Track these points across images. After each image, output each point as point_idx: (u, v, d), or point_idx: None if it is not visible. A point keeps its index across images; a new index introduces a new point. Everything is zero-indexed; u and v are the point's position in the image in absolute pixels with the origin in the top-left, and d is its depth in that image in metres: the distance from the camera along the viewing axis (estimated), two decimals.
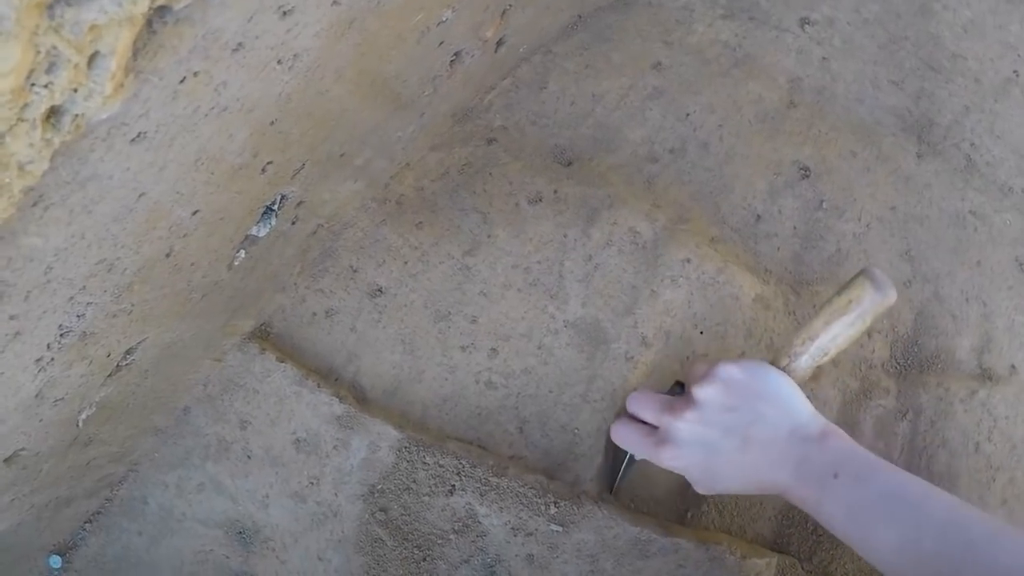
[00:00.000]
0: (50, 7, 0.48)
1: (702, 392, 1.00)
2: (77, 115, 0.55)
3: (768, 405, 0.98)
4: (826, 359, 1.05)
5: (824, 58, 1.42)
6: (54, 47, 0.50)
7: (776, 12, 1.45)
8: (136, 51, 0.55)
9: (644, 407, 1.05)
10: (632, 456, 1.08)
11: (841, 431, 0.96)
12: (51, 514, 1.04)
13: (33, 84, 0.51)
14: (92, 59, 0.53)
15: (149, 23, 0.55)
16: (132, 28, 0.53)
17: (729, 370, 1.00)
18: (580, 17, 1.39)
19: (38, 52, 0.50)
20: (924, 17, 1.48)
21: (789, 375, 1.03)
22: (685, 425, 0.99)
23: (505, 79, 1.34)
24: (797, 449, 0.94)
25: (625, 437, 1.06)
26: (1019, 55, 1.49)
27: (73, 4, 0.49)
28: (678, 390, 1.09)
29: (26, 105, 0.51)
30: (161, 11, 0.55)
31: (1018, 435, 1.21)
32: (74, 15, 0.49)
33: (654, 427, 1.03)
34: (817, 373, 1.13)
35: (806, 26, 1.44)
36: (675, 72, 1.37)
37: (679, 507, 1.16)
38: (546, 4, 1.25)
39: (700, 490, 1.02)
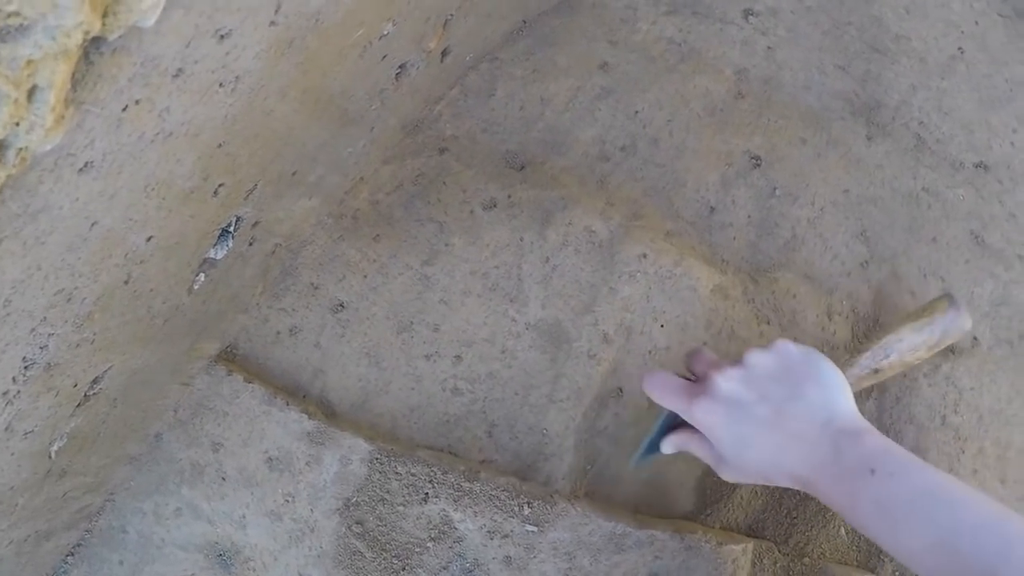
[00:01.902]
0: None
1: (754, 356, 0.99)
2: (21, 148, 0.56)
3: (813, 387, 0.96)
4: (886, 362, 1.06)
5: (769, 48, 1.44)
6: None
7: (719, 5, 1.47)
8: (75, 82, 0.56)
9: (698, 360, 1.04)
10: (663, 423, 1.04)
11: (879, 432, 0.93)
12: (31, 549, 1.04)
13: None
14: (31, 93, 0.53)
15: (86, 55, 0.56)
16: (68, 61, 0.54)
17: (788, 346, 1.00)
18: (525, 22, 1.40)
19: None
20: (866, 1, 1.51)
21: (845, 369, 1.04)
22: (726, 382, 0.97)
23: (453, 88, 1.35)
24: (831, 441, 0.92)
25: (660, 384, 1.02)
26: (962, 32, 1.51)
27: (9, 41, 0.50)
28: None
29: None
30: (96, 42, 0.56)
31: (984, 405, 1.23)
32: (10, 51, 0.50)
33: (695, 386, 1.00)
34: (878, 379, 1.15)
35: (750, 17, 1.46)
36: (622, 71, 1.39)
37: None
38: (488, 12, 1.26)
39: (725, 471, 0.99)
